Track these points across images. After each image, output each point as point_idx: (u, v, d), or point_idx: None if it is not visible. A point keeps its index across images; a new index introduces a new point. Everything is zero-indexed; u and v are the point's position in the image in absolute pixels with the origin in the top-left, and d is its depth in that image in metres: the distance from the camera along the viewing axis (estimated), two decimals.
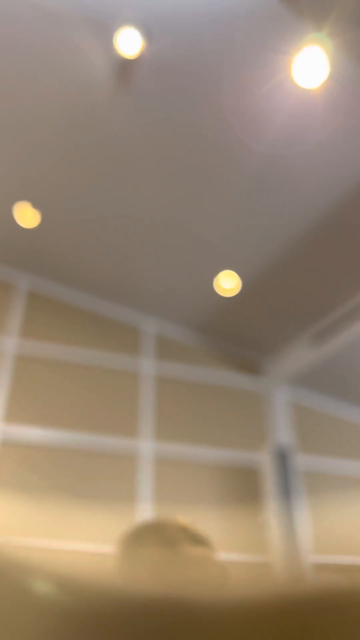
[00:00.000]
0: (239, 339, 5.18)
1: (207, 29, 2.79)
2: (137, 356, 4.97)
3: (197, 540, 1.07)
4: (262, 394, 5.20)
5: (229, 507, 4.45)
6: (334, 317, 4.43)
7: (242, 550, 4.26)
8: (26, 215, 4.17)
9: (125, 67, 3.01)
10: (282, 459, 4.61)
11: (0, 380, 4.38)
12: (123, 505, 4.18)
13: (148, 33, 2.84)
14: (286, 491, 4.43)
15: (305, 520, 4.44)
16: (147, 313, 5.12)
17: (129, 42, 2.86)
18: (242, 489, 4.61)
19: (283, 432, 4.95)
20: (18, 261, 4.82)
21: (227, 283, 4.45)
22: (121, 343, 4.97)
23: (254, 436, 4.90)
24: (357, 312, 4.22)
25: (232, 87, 3.01)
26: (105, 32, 2.87)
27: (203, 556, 1.04)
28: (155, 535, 1.06)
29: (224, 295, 4.58)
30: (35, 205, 4.12)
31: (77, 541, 3.86)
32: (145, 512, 4.19)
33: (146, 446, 4.51)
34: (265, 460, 4.67)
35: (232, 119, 3.17)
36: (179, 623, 0.41)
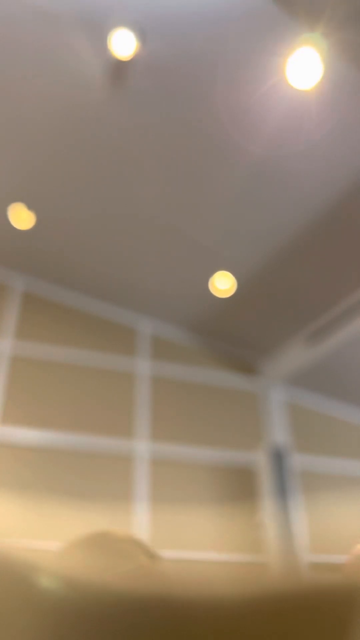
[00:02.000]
0: (235, 339, 5.19)
1: (201, 30, 2.80)
2: (133, 357, 4.97)
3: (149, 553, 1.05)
4: (258, 394, 5.21)
5: (225, 507, 4.45)
6: (329, 317, 4.44)
7: (238, 549, 4.26)
8: (21, 217, 4.16)
9: (119, 68, 3.01)
10: (278, 458, 4.61)
11: None
12: (119, 505, 4.18)
13: (142, 34, 2.84)
14: (282, 491, 4.43)
15: (301, 519, 4.45)
16: (143, 314, 5.12)
17: (123, 43, 2.86)
18: (238, 488, 4.62)
19: (279, 431, 4.96)
20: (13, 262, 4.82)
21: (222, 284, 4.46)
22: (117, 344, 4.97)
23: (250, 436, 4.91)
24: (352, 311, 4.23)
25: (226, 87, 3.01)
26: (99, 33, 2.87)
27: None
28: (128, 546, 1.04)
29: (219, 295, 4.58)
30: (30, 206, 4.11)
31: None
32: (141, 512, 4.19)
33: (142, 447, 4.51)
34: (261, 460, 4.68)
35: (226, 120, 3.18)
36: (176, 620, 0.41)
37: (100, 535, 1.05)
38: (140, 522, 4.15)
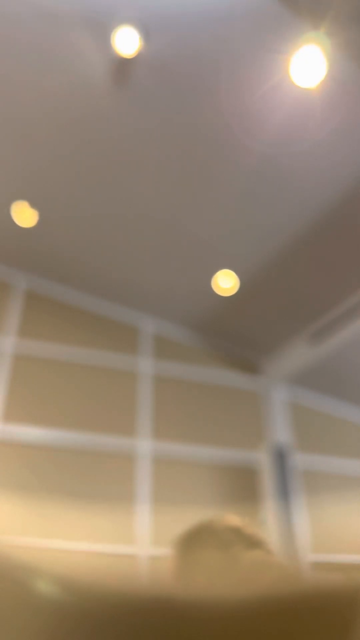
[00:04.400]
0: (237, 338, 5.18)
1: (204, 28, 2.79)
2: (135, 355, 4.97)
3: (252, 543, 1.02)
4: (260, 393, 5.21)
5: (227, 506, 4.45)
6: (332, 316, 4.43)
7: None
8: (24, 215, 4.17)
9: (122, 66, 3.00)
10: (280, 458, 4.61)
11: None
12: (121, 504, 4.18)
13: (146, 32, 2.84)
14: (284, 490, 4.43)
15: (303, 519, 4.44)
16: (145, 312, 5.12)
17: (126, 41, 2.86)
18: (240, 488, 4.61)
19: (281, 431, 4.96)
20: (16, 260, 4.82)
21: (225, 282, 4.45)
22: (119, 342, 4.97)
23: (252, 435, 4.90)
24: (355, 311, 4.23)
25: (229, 86, 3.00)
26: (103, 31, 2.87)
27: (258, 560, 1.00)
28: (208, 538, 1.02)
29: (221, 294, 4.58)
30: (33, 204, 4.11)
31: (74, 541, 3.86)
32: (143, 511, 4.19)
33: (144, 445, 4.51)
34: (263, 460, 4.68)
35: (229, 118, 3.17)
36: (177, 621, 0.41)
37: (203, 528, 1.04)
38: (142, 520, 4.15)
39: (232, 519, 1.07)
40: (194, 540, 1.02)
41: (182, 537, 1.05)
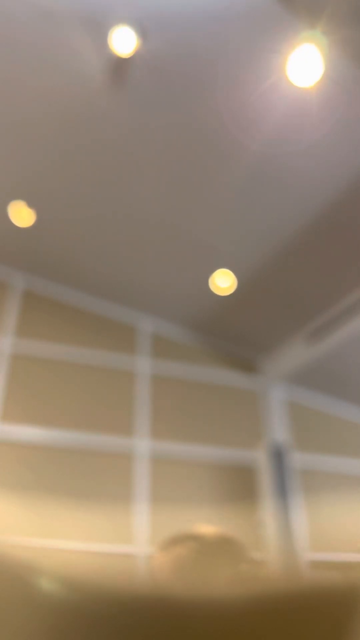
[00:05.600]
0: (235, 338, 5.18)
1: (202, 28, 2.79)
2: (133, 355, 4.97)
3: (246, 556, 1.04)
4: (258, 392, 5.21)
5: (225, 505, 4.46)
6: (330, 315, 4.44)
7: None
8: (21, 214, 4.16)
9: (120, 65, 3.00)
10: (278, 457, 4.62)
11: None
12: (119, 504, 4.18)
13: (143, 32, 2.83)
14: (282, 489, 4.44)
15: (301, 518, 4.45)
16: (143, 311, 5.12)
17: (123, 41, 2.85)
18: (238, 487, 4.62)
19: (279, 430, 4.96)
20: (14, 260, 4.81)
21: (223, 282, 4.45)
22: (117, 342, 4.97)
23: (250, 434, 4.91)
24: (353, 310, 4.23)
25: (226, 85, 3.00)
26: (100, 30, 2.86)
27: (258, 573, 1.01)
28: (228, 549, 1.02)
29: (219, 293, 4.58)
30: (30, 204, 4.11)
31: (72, 540, 3.86)
32: (141, 510, 4.19)
33: (142, 445, 4.51)
34: (261, 459, 4.68)
35: (226, 118, 3.17)
36: (176, 620, 0.41)
37: (192, 538, 1.03)
38: (140, 519, 4.15)
39: (215, 529, 1.07)
40: (208, 547, 1.02)
41: (170, 545, 1.04)
